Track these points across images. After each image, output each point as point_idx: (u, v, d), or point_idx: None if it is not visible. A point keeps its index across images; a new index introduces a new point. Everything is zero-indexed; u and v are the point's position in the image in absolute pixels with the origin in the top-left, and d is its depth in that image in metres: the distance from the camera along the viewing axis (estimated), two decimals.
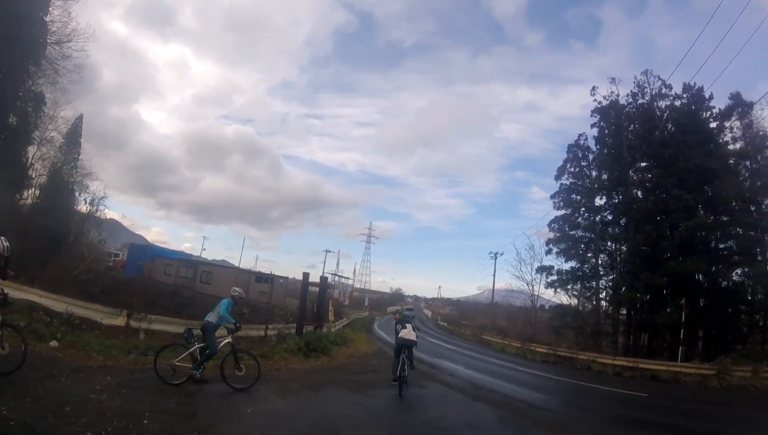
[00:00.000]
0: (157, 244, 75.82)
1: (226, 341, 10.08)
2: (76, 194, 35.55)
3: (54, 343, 10.31)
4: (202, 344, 9.80)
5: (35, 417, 5.72)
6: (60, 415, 5.88)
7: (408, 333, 12.87)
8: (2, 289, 7.60)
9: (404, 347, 12.69)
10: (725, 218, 32.58)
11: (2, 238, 7.52)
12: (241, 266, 75.25)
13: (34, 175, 32.83)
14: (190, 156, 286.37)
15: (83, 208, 36.07)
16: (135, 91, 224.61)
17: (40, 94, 30.57)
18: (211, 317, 9.93)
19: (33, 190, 33.25)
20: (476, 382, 15.94)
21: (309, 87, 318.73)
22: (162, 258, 49.04)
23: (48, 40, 29.19)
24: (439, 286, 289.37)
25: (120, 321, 13.72)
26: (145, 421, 6.41)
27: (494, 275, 63.34)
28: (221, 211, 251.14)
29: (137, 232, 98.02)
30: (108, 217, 41.10)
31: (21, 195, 32.03)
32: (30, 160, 31.94)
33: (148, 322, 14.43)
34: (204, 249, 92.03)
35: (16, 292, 12.98)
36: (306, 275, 21.30)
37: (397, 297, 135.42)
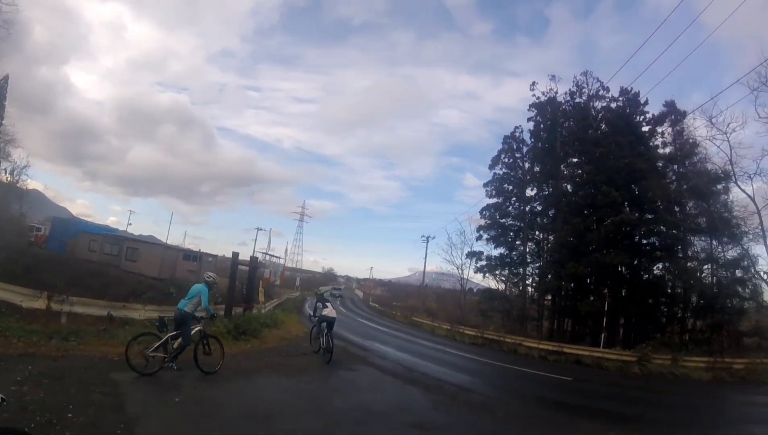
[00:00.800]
0: (82, 218, 72.26)
1: (196, 329, 10.31)
2: None
3: None
4: (173, 333, 9.73)
5: None
6: None
7: (330, 311, 14.65)
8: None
9: (326, 322, 14.38)
10: (650, 216, 34.38)
11: None
12: (168, 243, 73.03)
13: None
14: (120, 124, 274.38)
15: (4, 177, 34.19)
16: (66, 52, 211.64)
17: None
18: (187, 307, 9.90)
19: None
20: (408, 365, 16.18)
21: (249, 57, 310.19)
22: (86, 233, 46.83)
23: None
24: (371, 267, 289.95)
25: (41, 303, 13.21)
26: (70, 415, 6.18)
27: (425, 259, 64.35)
28: (150, 184, 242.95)
29: (61, 205, 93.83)
30: (30, 188, 39.30)
31: None
32: None
33: (69, 304, 13.96)
34: (130, 223, 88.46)
35: None
36: (236, 255, 21.05)
37: (329, 277, 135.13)
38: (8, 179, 34.29)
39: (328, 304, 15.05)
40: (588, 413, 11.79)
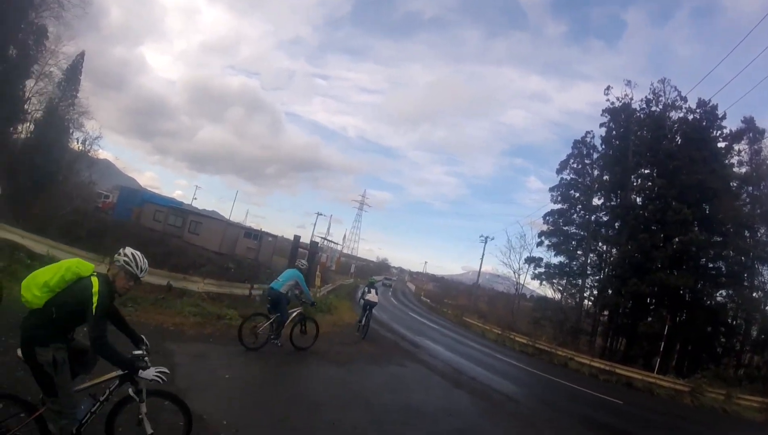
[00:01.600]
0: (149, 189, 74.88)
1: (297, 311, 11.57)
2: (71, 132, 35.04)
3: None
4: (277, 314, 10.80)
5: (4, 369, 5.50)
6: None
7: (372, 296, 17.35)
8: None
9: (369, 305, 17.10)
10: (718, 239, 32.82)
11: None
12: (231, 219, 74.71)
13: (29, 110, 32.31)
14: (191, 103, 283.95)
15: (76, 146, 35.53)
16: (141, 33, 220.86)
17: (42, 27, 30.02)
18: (282, 288, 10.84)
19: (27, 124, 32.81)
20: (457, 367, 15.86)
21: (318, 46, 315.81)
22: (152, 204, 48.10)
23: None
24: (425, 262, 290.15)
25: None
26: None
27: (482, 258, 63.58)
28: (216, 162, 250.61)
29: (129, 175, 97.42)
30: (101, 158, 40.61)
31: (14, 129, 31.53)
32: (27, 95, 31.36)
33: None
34: (195, 198, 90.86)
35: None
36: (297, 238, 21.15)
37: (382, 267, 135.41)
38: (80, 148, 35.54)
39: (372, 290, 17.76)
40: None
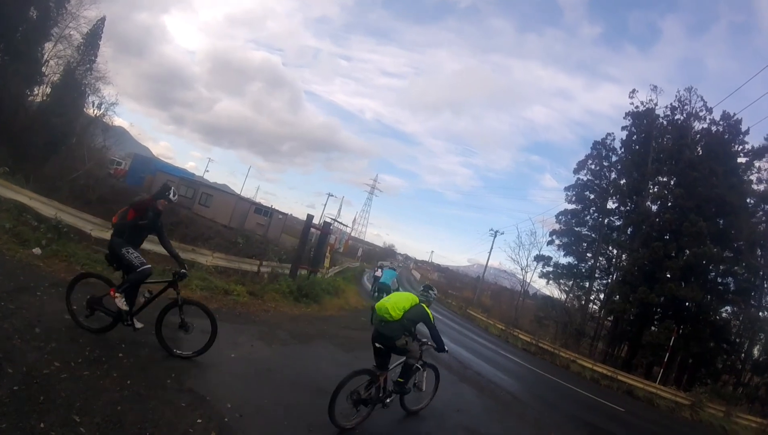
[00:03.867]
0: (162, 159, 74.85)
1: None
2: (88, 96, 34.86)
3: (37, 251, 9.70)
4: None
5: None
6: (28, 337, 5.35)
7: (380, 274, 23.10)
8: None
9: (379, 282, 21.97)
10: (730, 254, 32.66)
11: None
12: (242, 194, 74.73)
13: (47, 72, 32.13)
14: (211, 75, 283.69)
15: (92, 111, 35.38)
16: (168, 1, 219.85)
17: None
18: (390, 282, 13.86)
19: (44, 87, 32.56)
20: (462, 361, 15.67)
21: (344, 26, 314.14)
22: (164, 173, 48.17)
23: None
24: (432, 251, 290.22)
25: (109, 235, 13.10)
26: (120, 354, 5.91)
27: (490, 252, 63.53)
28: (231, 136, 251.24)
29: (143, 144, 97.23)
30: (115, 124, 40.42)
31: (32, 91, 31.39)
32: (46, 57, 31.18)
33: None
34: (207, 171, 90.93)
35: (8, 191, 12.45)
36: (310, 217, 20.75)
37: (389, 252, 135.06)
38: (95, 113, 35.36)
39: (379, 270, 25.50)
40: None
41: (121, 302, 6.36)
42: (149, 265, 6.65)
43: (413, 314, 6.91)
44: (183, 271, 6.93)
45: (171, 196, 6.93)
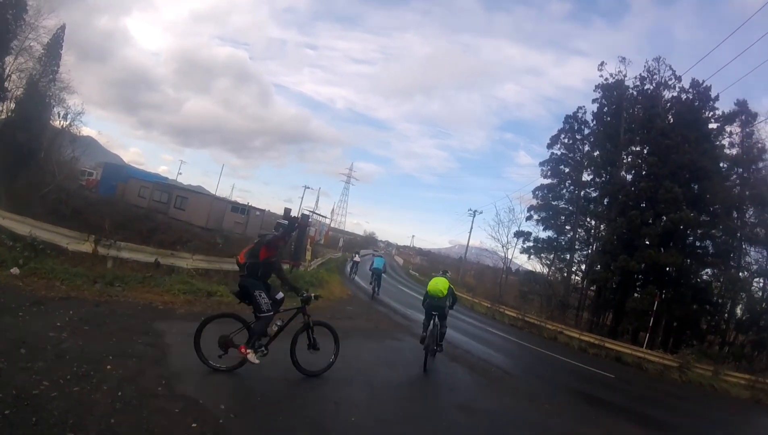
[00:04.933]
0: (133, 165, 73.94)
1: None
2: (53, 108, 34.24)
3: (15, 271, 9.58)
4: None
5: None
6: (14, 359, 5.30)
7: (357, 258, 32.33)
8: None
9: (355, 264, 31.00)
10: (707, 218, 33.26)
11: None
12: (217, 194, 74.07)
13: (9, 87, 31.48)
14: (177, 75, 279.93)
15: (58, 122, 34.78)
16: (128, 2, 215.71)
17: (21, 0, 29.08)
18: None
19: (8, 102, 31.93)
20: (451, 340, 15.59)
21: (309, 14, 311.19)
22: (137, 179, 47.64)
23: None
24: (413, 235, 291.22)
25: (87, 247, 12.98)
26: (108, 366, 5.83)
27: (470, 232, 63.88)
28: (202, 136, 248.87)
29: (113, 152, 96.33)
30: (83, 134, 39.76)
31: None
32: (7, 71, 30.56)
33: (117, 249, 13.67)
34: (180, 173, 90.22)
35: None
36: (288, 211, 20.76)
37: (369, 241, 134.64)
38: (62, 124, 34.76)
39: (357, 256, 34.55)
40: (631, 416, 11.27)
41: (252, 358, 6.84)
42: (272, 312, 7.17)
43: (450, 291, 11.18)
44: (309, 295, 7.81)
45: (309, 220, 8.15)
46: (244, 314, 7.32)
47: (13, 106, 31.83)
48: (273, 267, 7.46)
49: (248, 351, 6.79)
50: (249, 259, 7.22)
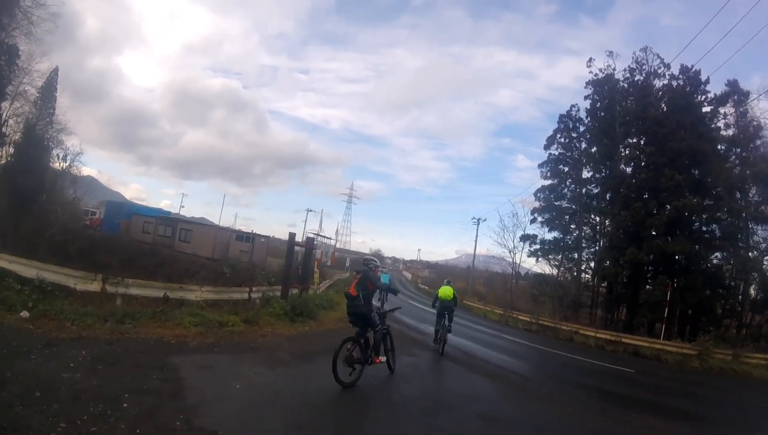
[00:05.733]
0: (136, 202, 74.24)
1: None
2: (52, 150, 34.46)
3: (25, 314, 9.55)
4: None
5: (1, 406, 5.13)
6: (29, 402, 5.26)
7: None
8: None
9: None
10: (710, 202, 33.22)
11: None
12: (220, 224, 74.29)
13: (7, 133, 31.73)
14: (173, 109, 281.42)
15: (58, 164, 34.96)
16: (119, 41, 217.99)
17: (13, 46, 29.50)
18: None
19: (7, 147, 32.14)
20: (467, 351, 15.74)
21: (297, 38, 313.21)
22: (140, 215, 47.88)
23: None
24: (419, 249, 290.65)
25: (95, 286, 12.94)
26: (125, 404, 5.78)
27: (476, 240, 63.59)
28: (202, 167, 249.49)
29: (115, 189, 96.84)
30: (84, 174, 39.95)
31: None
32: (4, 117, 30.79)
33: (125, 286, 13.61)
34: (183, 206, 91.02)
35: None
36: (292, 236, 20.68)
37: (376, 258, 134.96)
38: (62, 166, 34.94)
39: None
40: (655, 410, 11.10)
41: (383, 360, 9.65)
42: (383, 325, 9.41)
43: (455, 295, 15.05)
44: (392, 309, 11.13)
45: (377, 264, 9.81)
46: (351, 334, 8.86)
47: (12, 150, 32.00)
48: (372, 294, 9.27)
49: (379, 358, 9.27)
50: (361, 291, 8.91)
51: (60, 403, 5.44)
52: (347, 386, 8.15)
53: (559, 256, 43.00)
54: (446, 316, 14.40)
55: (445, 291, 14.98)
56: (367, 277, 9.04)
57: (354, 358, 8.56)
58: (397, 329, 17.46)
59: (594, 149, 41.59)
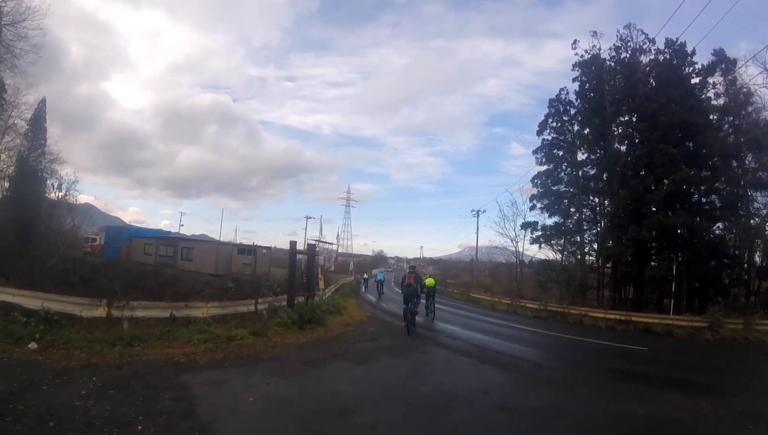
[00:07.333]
0: (135, 225, 74.30)
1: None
2: (46, 181, 34.42)
3: (33, 346, 9.56)
4: None
5: None
6: (43, 433, 5.27)
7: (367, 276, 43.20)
8: None
9: (366, 280, 41.04)
10: (708, 173, 33.10)
11: None
12: (221, 239, 74.25)
13: (1, 167, 31.73)
14: (164, 129, 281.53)
15: (54, 194, 34.90)
16: (105, 65, 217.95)
17: None
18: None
19: (2, 182, 32.23)
20: (478, 344, 15.61)
21: (282, 48, 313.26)
22: (140, 238, 47.78)
23: (2, 22, 27.77)
24: (421, 246, 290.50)
25: (101, 311, 12.91)
26: (139, 427, 5.79)
27: (477, 233, 64.24)
28: (198, 185, 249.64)
29: (113, 214, 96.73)
30: (81, 202, 39.90)
31: None
32: None
33: (130, 309, 13.58)
34: (182, 225, 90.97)
35: None
36: (293, 244, 20.63)
37: (379, 259, 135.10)
38: (58, 195, 34.88)
39: (365, 275, 46.58)
40: (671, 385, 10.97)
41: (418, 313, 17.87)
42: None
43: (435, 285, 22.81)
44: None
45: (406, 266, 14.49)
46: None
47: (7, 184, 32.03)
48: (419, 283, 18.00)
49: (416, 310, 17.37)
50: (417, 283, 17.36)
51: (74, 431, 5.45)
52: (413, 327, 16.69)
53: (562, 241, 42.87)
54: (415, 301, 17.32)
55: (430, 281, 22.26)
56: (416, 275, 17.93)
57: (414, 314, 16.99)
58: (403, 329, 17.50)
59: (587, 131, 41.40)
